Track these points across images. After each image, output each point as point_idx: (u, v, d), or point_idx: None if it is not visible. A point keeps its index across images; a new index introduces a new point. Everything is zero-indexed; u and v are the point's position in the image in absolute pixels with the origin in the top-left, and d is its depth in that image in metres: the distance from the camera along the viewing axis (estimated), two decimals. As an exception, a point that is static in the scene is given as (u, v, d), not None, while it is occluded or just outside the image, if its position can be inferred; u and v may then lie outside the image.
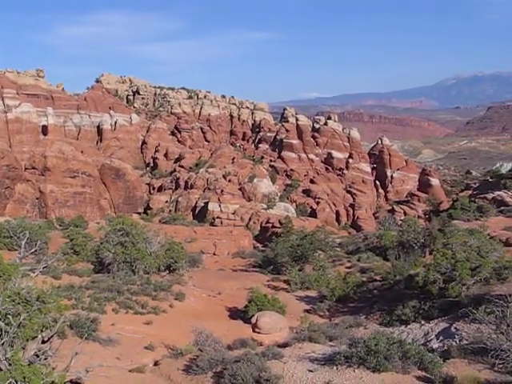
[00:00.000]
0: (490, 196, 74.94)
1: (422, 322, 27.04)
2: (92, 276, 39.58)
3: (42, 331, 15.96)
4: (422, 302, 29.82)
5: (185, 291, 36.27)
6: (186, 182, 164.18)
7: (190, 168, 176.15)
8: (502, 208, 69.10)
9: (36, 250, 32.78)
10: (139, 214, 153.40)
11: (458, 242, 31.68)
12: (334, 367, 19.03)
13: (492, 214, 66.67)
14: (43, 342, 16.21)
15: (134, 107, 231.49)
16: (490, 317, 20.87)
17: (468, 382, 16.96)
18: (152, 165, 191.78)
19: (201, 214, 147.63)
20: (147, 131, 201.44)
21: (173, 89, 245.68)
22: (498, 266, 29.66)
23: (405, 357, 18.84)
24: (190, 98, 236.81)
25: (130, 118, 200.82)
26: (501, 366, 18.24)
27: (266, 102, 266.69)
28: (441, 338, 23.97)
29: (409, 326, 27.29)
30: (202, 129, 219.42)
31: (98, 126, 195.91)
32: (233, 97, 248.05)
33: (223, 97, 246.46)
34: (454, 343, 22.41)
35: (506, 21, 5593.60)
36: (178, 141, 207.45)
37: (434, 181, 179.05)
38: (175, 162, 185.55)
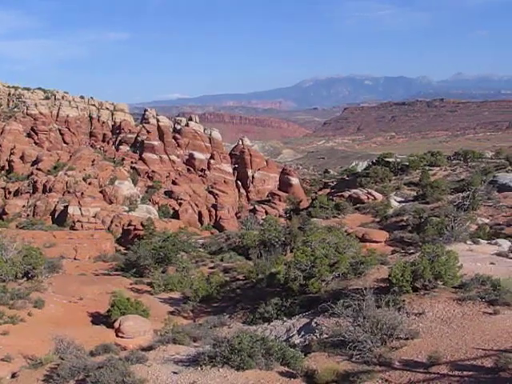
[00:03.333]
0: (346, 194, 77.32)
1: (284, 319, 27.59)
2: None
3: None
4: (283, 299, 30.43)
5: (44, 298, 35.07)
6: (45, 186, 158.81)
7: (49, 171, 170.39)
8: (358, 205, 71.53)
9: None
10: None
11: (317, 240, 32.50)
12: (199, 368, 19.08)
13: (349, 212, 68.83)
14: None
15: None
16: (348, 310, 21.68)
17: (327, 374, 17.51)
18: (7, 168, 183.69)
19: (60, 218, 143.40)
20: (1, 133, 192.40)
21: (28, 89, 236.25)
22: (355, 261, 30.74)
23: (268, 353, 19.19)
24: (47, 98, 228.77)
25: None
26: (358, 356, 19.00)
27: (127, 103, 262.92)
28: (302, 333, 24.55)
29: (272, 323, 27.77)
30: (60, 130, 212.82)
31: None
32: (92, 98, 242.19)
33: (82, 97, 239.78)
34: (314, 337, 23.03)
35: (359, 26, 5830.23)
36: (35, 143, 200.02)
37: (294, 180, 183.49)
38: (32, 165, 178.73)
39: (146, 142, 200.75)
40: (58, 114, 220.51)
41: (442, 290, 23.97)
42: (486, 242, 42.23)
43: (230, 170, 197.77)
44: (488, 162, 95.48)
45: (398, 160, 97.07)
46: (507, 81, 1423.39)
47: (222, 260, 56.07)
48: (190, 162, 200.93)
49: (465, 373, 16.73)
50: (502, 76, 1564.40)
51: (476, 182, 66.73)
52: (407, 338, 19.90)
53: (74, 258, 75.24)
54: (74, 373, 19.82)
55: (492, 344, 18.63)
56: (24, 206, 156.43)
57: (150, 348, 22.94)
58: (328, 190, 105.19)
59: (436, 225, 47.13)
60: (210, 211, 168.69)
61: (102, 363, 19.63)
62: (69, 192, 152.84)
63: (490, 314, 21.12)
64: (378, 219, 63.98)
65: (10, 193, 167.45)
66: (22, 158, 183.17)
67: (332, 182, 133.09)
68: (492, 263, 30.80)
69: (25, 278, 40.90)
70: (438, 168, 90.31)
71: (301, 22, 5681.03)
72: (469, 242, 40.14)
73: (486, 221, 56.76)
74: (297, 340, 23.94)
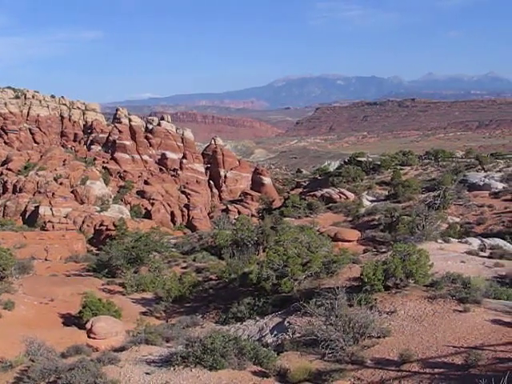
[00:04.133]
0: (319, 193, 77.58)
1: (257, 318, 27.61)
2: None
3: None
4: (256, 298, 30.44)
5: (14, 299, 34.67)
6: (15, 186, 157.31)
7: (19, 171, 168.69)
8: (330, 204, 71.77)
9: None
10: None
11: (289, 239, 32.53)
12: (172, 368, 19.01)
13: (321, 211, 69.01)
14: None
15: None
16: (320, 309, 21.76)
17: (300, 373, 17.57)
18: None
19: (31, 219, 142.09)
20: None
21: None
22: (327, 261, 30.81)
23: (240, 353, 19.19)
24: (17, 97, 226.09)
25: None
26: (330, 355, 19.09)
27: (98, 103, 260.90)
28: (275, 332, 24.59)
29: (244, 323, 27.78)
30: (30, 130, 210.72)
31: None
32: (63, 97, 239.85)
33: (53, 97, 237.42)
34: (287, 337, 23.08)
35: (331, 26, 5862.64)
36: (5, 143, 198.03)
37: (267, 180, 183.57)
38: (2, 165, 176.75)
39: (117, 141, 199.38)
40: (28, 113, 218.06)
41: (413, 289, 24.17)
42: (456, 240, 42.64)
43: (203, 170, 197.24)
44: (458, 161, 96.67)
45: (370, 159, 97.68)
46: (477, 81, 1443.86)
47: (194, 260, 55.83)
48: (162, 161, 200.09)
49: (436, 370, 16.91)
50: (472, 76, 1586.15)
51: (447, 182, 67.36)
52: (379, 337, 20.05)
53: (45, 259, 74.44)
54: (45, 375, 19.60)
55: (462, 341, 18.85)
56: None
57: (122, 349, 22.80)
58: (300, 190, 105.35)
59: (407, 224, 47.46)
60: (182, 211, 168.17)
61: (74, 365, 19.44)
62: (40, 192, 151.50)
63: (461, 311, 21.34)
64: (350, 218, 64.30)
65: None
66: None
67: (304, 182, 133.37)
68: (462, 261, 31.19)
69: (-5, 280, 40.44)
70: (410, 167, 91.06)
71: (273, 21, 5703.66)
72: (440, 241, 40.48)
73: (457, 219, 57.38)
74: (269, 339, 23.98)
